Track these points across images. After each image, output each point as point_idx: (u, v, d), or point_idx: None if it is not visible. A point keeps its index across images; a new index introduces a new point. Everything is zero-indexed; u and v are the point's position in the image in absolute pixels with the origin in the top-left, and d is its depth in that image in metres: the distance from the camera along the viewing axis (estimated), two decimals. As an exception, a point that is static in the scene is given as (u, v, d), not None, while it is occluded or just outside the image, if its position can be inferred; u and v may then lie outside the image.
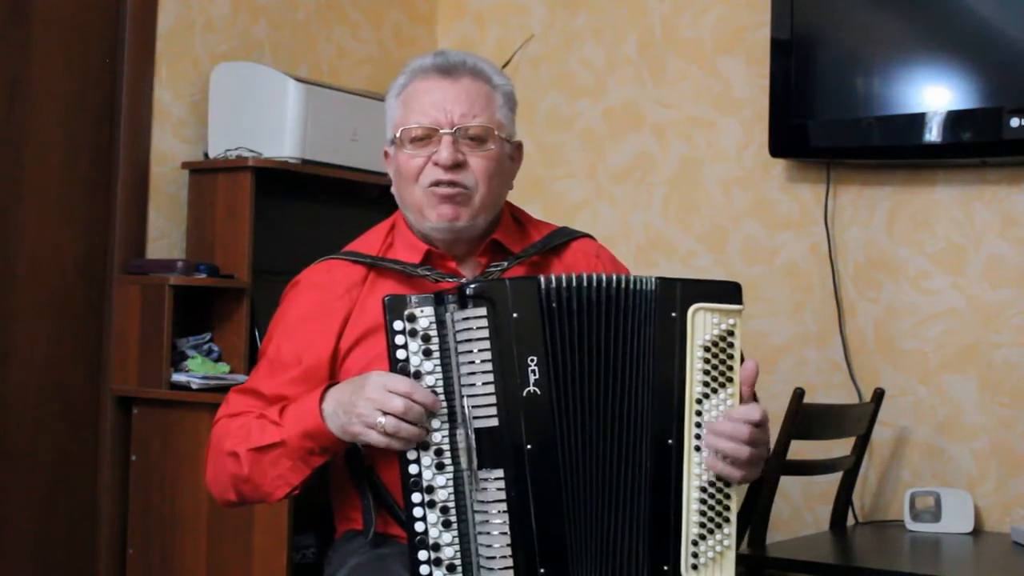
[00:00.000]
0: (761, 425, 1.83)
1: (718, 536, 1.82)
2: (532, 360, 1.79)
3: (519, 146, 2.11)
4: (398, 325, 1.79)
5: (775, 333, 3.44)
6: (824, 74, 3.33)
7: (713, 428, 1.81)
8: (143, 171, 3.26)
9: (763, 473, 1.98)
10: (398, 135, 2.02)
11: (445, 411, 1.79)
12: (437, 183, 1.98)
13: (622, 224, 3.70)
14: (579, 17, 3.82)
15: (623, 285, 1.84)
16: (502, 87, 2.05)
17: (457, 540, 1.78)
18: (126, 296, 3.13)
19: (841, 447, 3.18)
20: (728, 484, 1.83)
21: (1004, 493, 3.15)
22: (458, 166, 1.97)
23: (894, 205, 3.33)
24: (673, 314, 1.82)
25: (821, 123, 3.32)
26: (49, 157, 3.12)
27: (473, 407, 1.77)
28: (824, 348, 3.39)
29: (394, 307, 1.80)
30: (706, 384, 1.82)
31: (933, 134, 3.15)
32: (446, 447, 1.79)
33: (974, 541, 3.03)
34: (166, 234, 3.30)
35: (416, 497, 1.78)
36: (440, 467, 1.78)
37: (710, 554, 1.82)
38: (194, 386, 3.02)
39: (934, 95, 3.17)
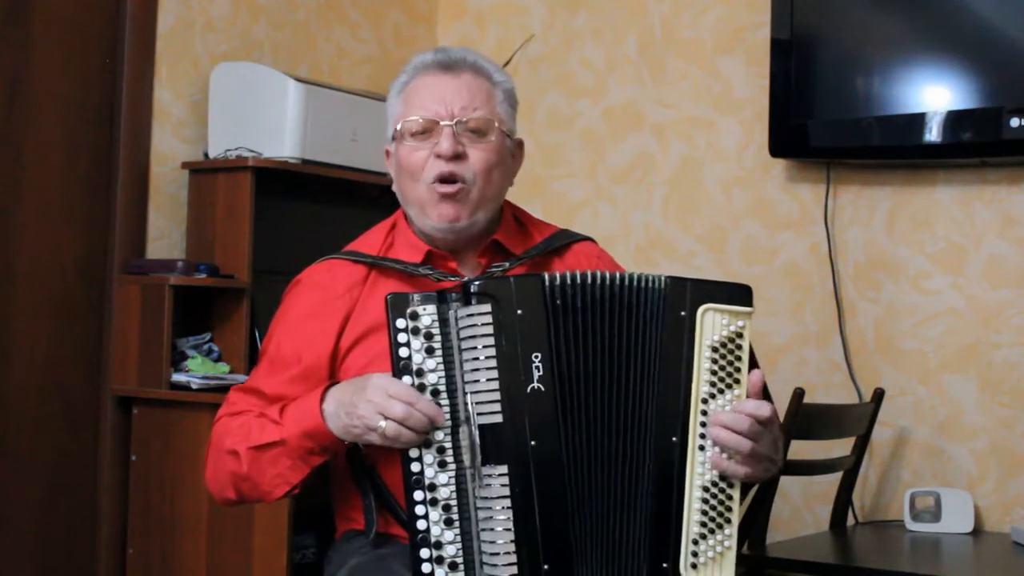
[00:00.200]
0: (768, 422, 1.83)
1: (719, 536, 1.82)
2: (536, 357, 1.79)
3: (520, 144, 2.11)
4: (400, 323, 1.79)
5: (775, 333, 3.44)
6: (824, 74, 3.33)
7: (716, 419, 1.81)
8: (143, 171, 3.26)
9: (773, 475, 1.97)
10: (399, 128, 2.02)
11: (448, 411, 1.79)
12: (440, 178, 1.98)
13: (622, 224, 3.70)
14: (579, 17, 3.82)
15: (628, 283, 1.84)
16: (502, 84, 2.06)
17: (459, 538, 1.78)
18: (126, 296, 3.13)
19: (841, 447, 3.18)
20: (731, 485, 1.83)
21: (1004, 493, 3.15)
22: (458, 157, 1.98)
23: (894, 205, 3.33)
24: (682, 313, 1.82)
25: (821, 123, 3.32)
26: (49, 157, 3.11)
27: (477, 404, 1.77)
28: (824, 348, 3.39)
29: (396, 305, 1.80)
30: (713, 384, 1.82)
31: (933, 134, 3.15)
32: (448, 445, 1.78)
33: (974, 541, 3.03)
34: (166, 234, 3.29)
35: (418, 495, 1.78)
36: (442, 465, 1.78)
37: (710, 554, 1.82)
38: (194, 386, 3.02)
39: (934, 95, 3.17)
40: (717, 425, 1.81)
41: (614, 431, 1.82)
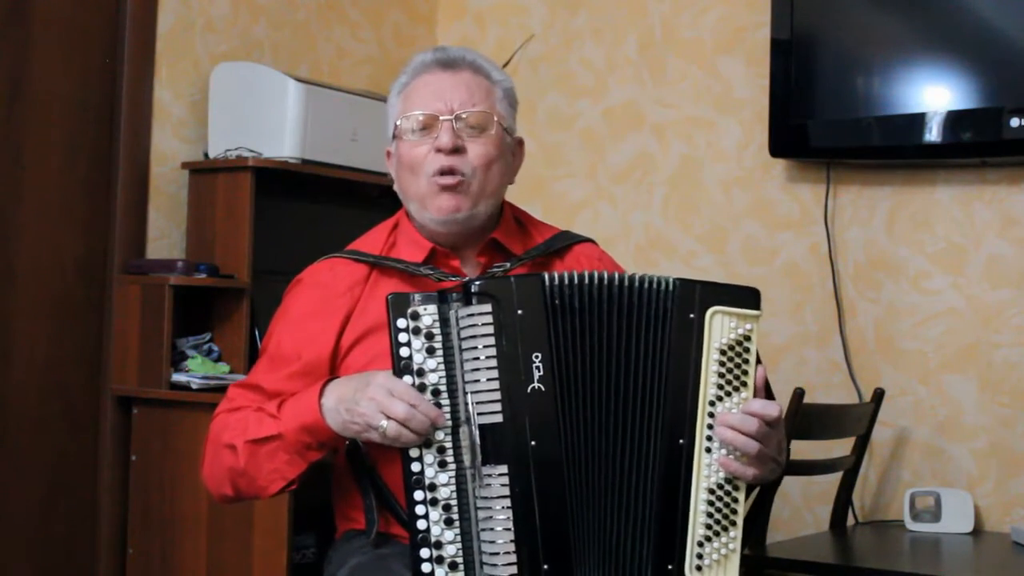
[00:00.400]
0: (775, 423, 1.83)
1: (723, 539, 1.82)
2: (536, 357, 1.79)
3: (520, 142, 2.12)
4: (401, 323, 1.79)
5: (775, 333, 3.44)
6: (824, 74, 3.33)
7: (723, 419, 1.81)
8: (143, 171, 3.26)
9: (777, 476, 1.96)
10: (399, 125, 2.03)
11: (448, 410, 1.79)
12: (440, 171, 1.98)
13: (622, 224, 3.70)
14: (579, 17, 3.82)
15: (630, 283, 1.84)
16: (501, 82, 2.07)
17: (459, 538, 1.77)
18: (126, 296, 3.13)
19: (841, 447, 3.18)
20: (737, 488, 1.83)
21: (1004, 493, 3.15)
22: (457, 151, 1.98)
23: (894, 205, 3.33)
24: (691, 315, 1.82)
25: (821, 123, 3.32)
26: (49, 157, 3.11)
27: (477, 404, 1.77)
28: (824, 348, 3.39)
29: (397, 305, 1.80)
30: (720, 387, 1.82)
31: (933, 134, 3.15)
32: (448, 445, 1.78)
33: (974, 541, 3.03)
34: (166, 234, 3.29)
35: (418, 495, 1.78)
36: (442, 465, 1.78)
37: (715, 556, 1.82)
38: (194, 386, 3.02)
39: (934, 95, 3.17)
40: (725, 426, 1.81)
41: (616, 431, 1.82)
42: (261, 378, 2.02)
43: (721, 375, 1.82)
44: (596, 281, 1.83)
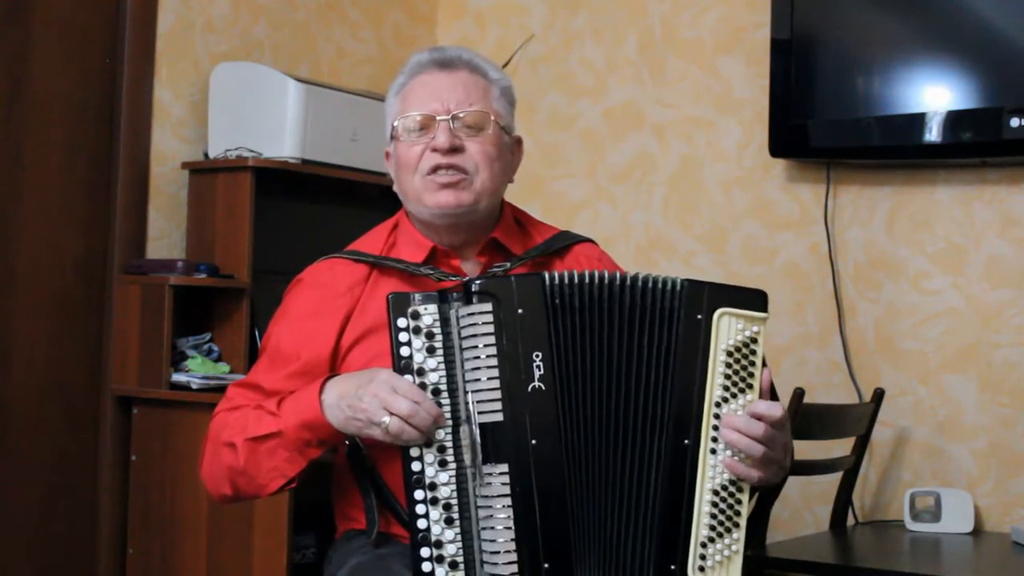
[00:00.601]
0: (780, 425, 1.83)
1: (727, 540, 1.82)
2: (537, 356, 1.79)
3: (519, 141, 2.12)
4: (401, 323, 1.79)
5: (775, 333, 3.44)
6: (824, 74, 3.33)
7: (728, 422, 1.81)
8: (143, 171, 3.26)
9: (781, 479, 1.96)
10: (396, 125, 2.03)
11: (448, 410, 1.79)
12: (435, 168, 1.98)
13: (622, 224, 3.70)
14: (579, 17, 3.82)
15: (632, 283, 1.83)
16: (499, 81, 2.07)
17: (459, 537, 1.77)
18: (126, 296, 3.13)
19: (841, 447, 3.18)
20: (740, 489, 1.83)
21: (1004, 493, 3.15)
22: (455, 150, 1.98)
23: (894, 205, 3.33)
24: (699, 316, 1.82)
25: (821, 123, 3.32)
26: (49, 157, 3.11)
27: (478, 403, 1.77)
28: (824, 348, 3.39)
29: (398, 305, 1.80)
30: (726, 388, 1.82)
31: (933, 134, 3.15)
32: (449, 444, 1.78)
33: (974, 541, 3.03)
34: (166, 234, 3.29)
35: (419, 494, 1.78)
36: (443, 464, 1.78)
37: (717, 557, 1.82)
38: (194, 386, 3.02)
39: (934, 95, 3.17)
40: (730, 428, 1.81)
41: (618, 430, 1.81)
42: (260, 377, 2.02)
43: (727, 376, 1.82)
44: (597, 280, 1.83)
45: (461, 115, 2.00)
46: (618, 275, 1.84)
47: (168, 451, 3.06)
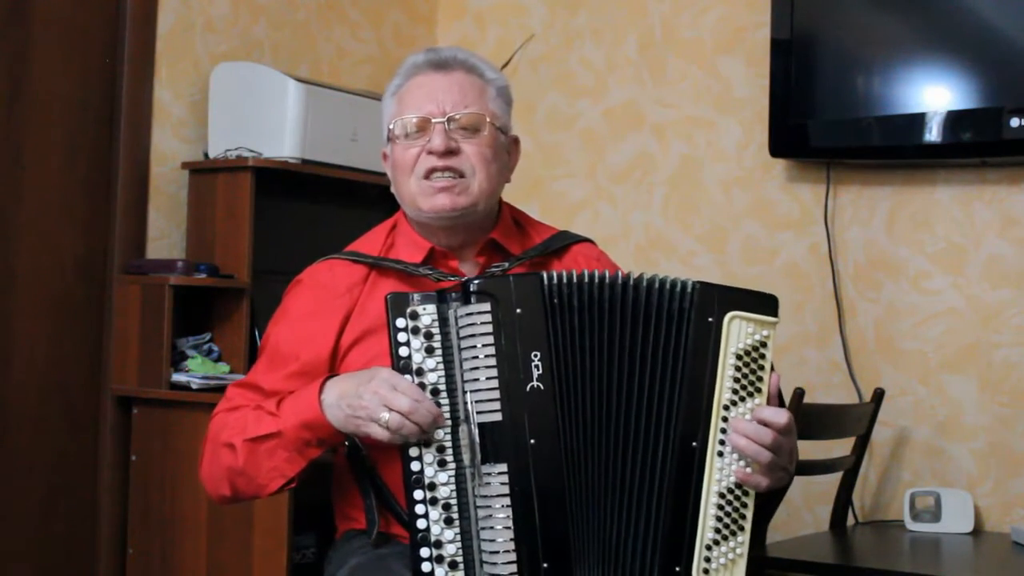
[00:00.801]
0: (786, 430, 1.83)
1: (732, 543, 1.82)
2: (536, 355, 1.79)
3: (516, 140, 2.12)
4: (400, 323, 1.79)
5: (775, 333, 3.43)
6: (824, 74, 3.33)
7: (738, 427, 1.81)
8: (143, 171, 3.26)
9: (785, 484, 1.95)
10: (392, 128, 2.03)
11: (448, 409, 1.79)
12: (431, 171, 1.98)
13: (622, 224, 3.70)
14: (579, 17, 3.82)
15: (636, 284, 1.83)
16: (495, 81, 2.06)
17: (459, 537, 1.78)
18: (126, 296, 3.13)
19: (841, 447, 3.18)
20: (747, 493, 1.82)
21: (1004, 493, 3.15)
22: (451, 153, 1.98)
23: (894, 205, 3.33)
24: (710, 319, 1.82)
25: (821, 123, 3.32)
26: (49, 157, 3.12)
27: (477, 402, 1.77)
28: (824, 348, 3.39)
29: (397, 305, 1.80)
30: (735, 392, 1.82)
31: (933, 134, 3.15)
32: (448, 444, 1.79)
33: (974, 541, 3.03)
34: (166, 234, 3.29)
35: (418, 494, 1.78)
36: (442, 464, 1.78)
37: (722, 560, 1.81)
38: (194, 386, 3.02)
39: (934, 95, 3.17)
40: (739, 434, 1.80)
41: (619, 430, 1.81)
42: (260, 378, 2.02)
43: (736, 380, 1.82)
44: (598, 280, 1.83)
45: (457, 117, 1.99)
46: (620, 275, 1.84)
47: (168, 451, 3.06)
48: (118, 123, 3.22)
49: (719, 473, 1.81)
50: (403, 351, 1.79)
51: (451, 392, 1.79)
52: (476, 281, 1.81)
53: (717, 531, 1.81)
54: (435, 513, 1.77)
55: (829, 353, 3.39)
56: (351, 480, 2.01)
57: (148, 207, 3.27)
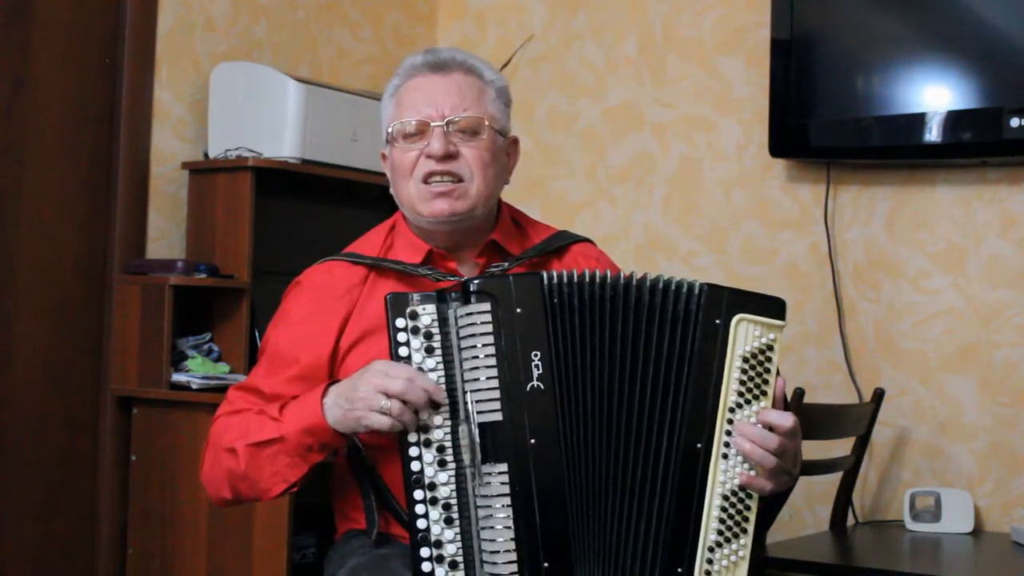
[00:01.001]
0: (791, 434, 1.82)
1: (734, 545, 1.82)
2: (535, 355, 1.79)
3: (515, 141, 2.12)
4: (400, 323, 1.79)
5: (775, 333, 3.43)
6: (824, 74, 3.33)
7: (743, 431, 1.80)
8: (143, 171, 3.26)
9: (788, 487, 1.95)
10: (391, 131, 2.03)
11: (447, 408, 1.79)
12: (430, 175, 1.98)
13: (622, 224, 3.70)
14: (579, 17, 3.82)
15: (639, 284, 1.83)
16: (494, 82, 2.06)
17: (459, 537, 1.78)
18: (126, 296, 3.13)
19: (841, 447, 3.18)
20: (750, 495, 1.82)
21: (1004, 493, 3.15)
22: (450, 157, 1.98)
23: (894, 205, 3.33)
24: (717, 321, 1.82)
25: (821, 123, 3.32)
26: (49, 157, 3.12)
27: (477, 402, 1.77)
28: (824, 348, 3.39)
29: (396, 305, 1.80)
30: (741, 394, 1.82)
31: (933, 134, 3.15)
32: (448, 444, 1.79)
33: (974, 541, 3.03)
34: (166, 234, 3.29)
35: (418, 494, 1.78)
36: (442, 464, 1.78)
37: (724, 562, 1.81)
38: (194, 386, 3.02)
39: (934, 95, 3.17)
40: (744, 438, 1.80)
41: (620, 430, 1.81)
42: (260, 381, 2.02)
43: (742, 382, 1.81)
44: (599, 280, 1.83)
45: (455, 120, 1.99)
46: (622, 275, 1.84)
47: (168, 451, 3.06)
48: (118, 123, 3.22)
49: (723, 475, 1.81)
50: (403, 351, 1.79)
51: (451, 392, 1.79)
52: (476, 281, 1.81)
53: (720, 532, 1.81)
54: (435, 513, 1.77)
55: (829, 353, 3.39)
56: (351, 480, 2.01)
57: (148, 207, 3.27)
